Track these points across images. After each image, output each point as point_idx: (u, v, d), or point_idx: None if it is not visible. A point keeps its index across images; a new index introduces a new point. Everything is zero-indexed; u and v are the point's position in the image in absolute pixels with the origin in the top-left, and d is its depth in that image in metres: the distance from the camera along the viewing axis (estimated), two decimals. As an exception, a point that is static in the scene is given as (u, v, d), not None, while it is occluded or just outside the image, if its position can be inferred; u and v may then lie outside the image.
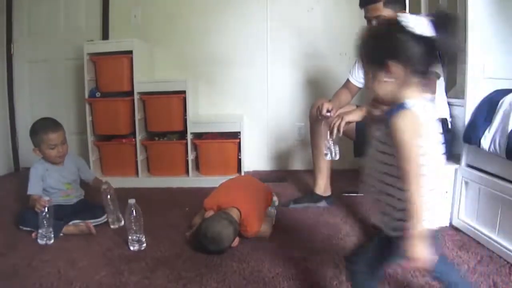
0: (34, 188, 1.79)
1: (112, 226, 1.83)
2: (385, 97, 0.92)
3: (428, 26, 0.85)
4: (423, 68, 0.88)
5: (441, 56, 0.90)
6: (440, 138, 0.92)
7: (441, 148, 0.92)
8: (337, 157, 1.68)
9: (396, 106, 0.88)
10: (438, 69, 1.68)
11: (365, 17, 1.82)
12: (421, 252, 0.83)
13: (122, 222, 1.84)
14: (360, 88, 2.09)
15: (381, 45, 0.90)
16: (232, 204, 1.64)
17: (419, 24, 0.85)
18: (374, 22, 1.76)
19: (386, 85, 0.90)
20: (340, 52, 2.83)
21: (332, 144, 1.66)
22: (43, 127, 1.82)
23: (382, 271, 1.06)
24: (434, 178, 0.88)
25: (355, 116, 1.63)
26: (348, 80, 2.08)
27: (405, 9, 1.77)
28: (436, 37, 0.85)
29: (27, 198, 1.79)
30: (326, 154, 1.69)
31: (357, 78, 2.05)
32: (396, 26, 0.87)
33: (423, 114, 0.86)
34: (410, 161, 0.84)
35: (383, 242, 0.95)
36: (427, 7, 2.35)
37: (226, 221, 1.53)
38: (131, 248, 1.60)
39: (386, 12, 1.72)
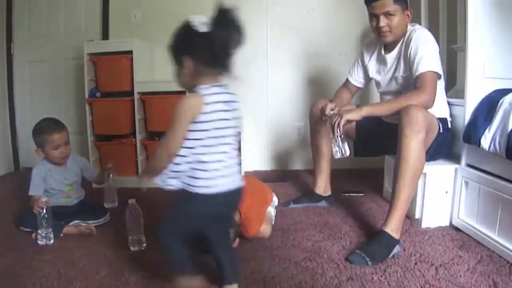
0: (35, 189, 1.78)
1: (105, 205, 1.90)
2: (184, 85, 1.16)
3: (208, 24, 1.05)
4: (211, 60, 1.08)
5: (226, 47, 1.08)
6: (223, 116, 1.11)
7: (222, 127, 1.11)
8: (347, 154, 1.67)
9: (191, 91, 1.12)
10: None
11: (371, 13, 1.76)
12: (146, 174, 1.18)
13: (116, 204, 1.90)
14: (359, 88, 2.09)
15: (176, 45, 1.13)
16: (232, 204, 1.64)
17: (202, 23, 1.06)
18: (382, 19, 1.71)
19: (183, 76, 1.13)
20: (340, 52, 2.83)
21: (340, 141, 1.65)
22: (47, 127, 1.81)
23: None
24: (211, 151, 1.10)
25: (355, 115, 1.63)
26: (347, 80, 2.08)
27: (407, 7, 1.75)
28: (214, 32, 1.05)
29: (28, 199, 1.79)
30: (335, 152, 1.67)
31: (357, 78, 2.05)
32: (185, 28, 1.08)
33: (209, 97, 1.08)
34: (172, 124, 1.10)
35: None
36: (427, 6, 2.36)
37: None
38: (131, 248, 1.60)
39: (394, 8, 1.69)
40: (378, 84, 1.98)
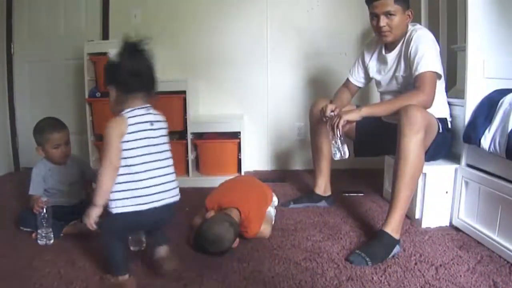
0: (35, 189, 1.78)
1: None
2: (111, 109, 1.29)
3: (118, 55, 1.21)
4: (127, 87, 1.24)
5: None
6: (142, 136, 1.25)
7: (146, 145, 1.25)
8: (347, 156, 1.67)
9: (117, 114, 1.25)
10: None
11: (372, 13, 1.75)
12: (90, 218, 1.21)
13: None
14: (359, 88, 2.09)
15: (104, 75, 1.31)
16: (232, 204, 1.64)
17: (116, 55, 1.22)
18: (382, 18, 1.71)
19: (112, 101, 1.28)
20: (340, 52, 2.83)
21: (340, 143, 1.65)
22: (48, 126, 1.80)
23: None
24: (134, 169, 1.21)
25: (354, 115, 1.63)
26: (348, 80, 2.08)
27: (408, 7, 1.75)
28: (121, 63, 1.22)
29: (28, 198, 1.79)
30: (334, 154, 1.68)
31: (357, 77, 2.05)
32: (107, 61, 1.28)
33: (132, 118, 1.23)
34: (105, 143, 1.21)
35: None
36: (427, 6, 2.36)
37: (227, 223, 1.52)
38: (131, 248, 1.59)
39: (395, 8, 1.68)
40: (378, 83, 1.98)
